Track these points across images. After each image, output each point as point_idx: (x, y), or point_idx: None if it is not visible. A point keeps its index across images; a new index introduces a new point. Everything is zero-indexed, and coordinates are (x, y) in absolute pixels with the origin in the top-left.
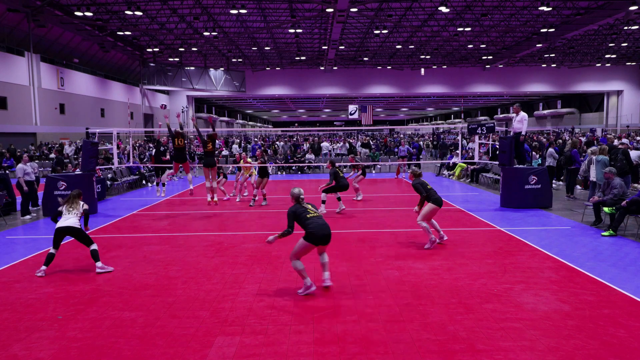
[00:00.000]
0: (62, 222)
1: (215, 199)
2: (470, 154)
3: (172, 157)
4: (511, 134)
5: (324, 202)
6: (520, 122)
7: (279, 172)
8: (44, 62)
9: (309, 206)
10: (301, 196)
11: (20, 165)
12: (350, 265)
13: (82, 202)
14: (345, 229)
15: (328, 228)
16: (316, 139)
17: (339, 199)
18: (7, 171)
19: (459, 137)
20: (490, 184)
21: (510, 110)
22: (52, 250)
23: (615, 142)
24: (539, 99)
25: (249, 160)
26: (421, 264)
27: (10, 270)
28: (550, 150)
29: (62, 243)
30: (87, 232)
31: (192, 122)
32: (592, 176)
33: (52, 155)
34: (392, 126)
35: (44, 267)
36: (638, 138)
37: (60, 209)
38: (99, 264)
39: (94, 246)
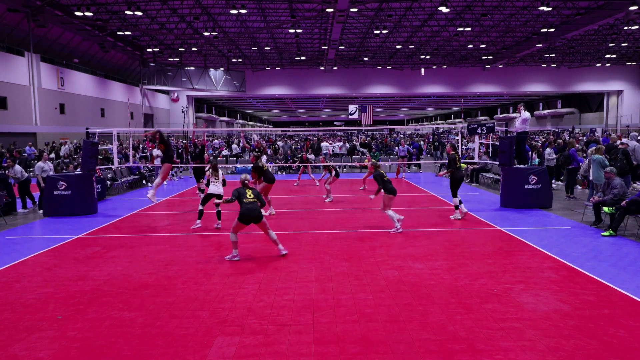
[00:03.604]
0: (212, 190)
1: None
2: (470, 154)
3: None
4: (513, 133)
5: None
6: (523, 122)
7: (279, 172)
8: (44, 62)
9: (249, 191)
10: (245, 181)
11: (39, 164)
12: (350, 265)
13: (220, 171)
14: (345, 229)
15: (255, 211)
16: (315, 139)
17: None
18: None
19: (459, 137)
20: (490, 184)
21: (510, 110)
22: (200, 208)
23: (624, 140)
24: (539, 99)
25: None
26: (421, 264)
27: (10, 270)
28: (548, 150)
29: (62, 243)
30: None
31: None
32: (591, 175)
33: (52, 155)
34: (392, 126)
35: (198, 221)
36: None
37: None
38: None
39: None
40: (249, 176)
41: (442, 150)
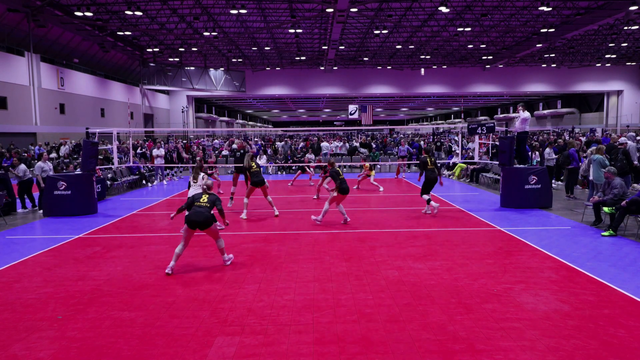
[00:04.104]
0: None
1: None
2: (470, 154)
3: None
4: (514, 133)
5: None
6: (522, 122)
7: (279, 172)
8: (44, 62)
9: (205, 197)
10: (205, 187)
11: (39, 163)
12: (350, 265)
13: (203, 174)
14: (345, 229)
15: (200, 215)
16: (315, 138)
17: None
18: (7, 171)
19: (459, 137)
20: (490, 184)
21: (510, 110)
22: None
23: (622, 139)
24: (539, 99)
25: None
26: (421, 263)
27: (10, 270)
28: (547, 150)
29: (62, 243)
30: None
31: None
32: (591, 175)
33: (53, 155)
34: (392, 126)
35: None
36: (639, 138)
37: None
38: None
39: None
40: (210, 182)
41: (447, 151)
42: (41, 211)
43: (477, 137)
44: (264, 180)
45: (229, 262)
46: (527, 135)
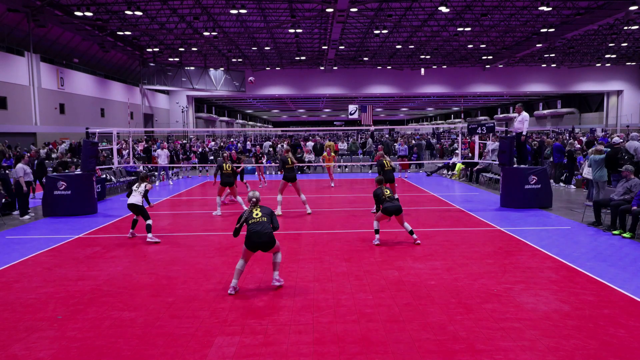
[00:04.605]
0: (130, 200)
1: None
2: (469, 154)
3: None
4: (513, 133)
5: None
6: (521, 122)
7: (279, 172)
8: (44, 62)
9: (258, 210)
10: (253, 199)
11: (20, 165)
12: (350, 265)
13: (145, 183)
14: (345, 229)
15: (265, 236)
16: (317, 138)
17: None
18: (6, 171)
19: (459, 137)
20: (490, 184)
21: (510, 110)
22: (135, 217)
23: (616, 139)
24: (539, 99)
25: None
26: (421, 264)
27: (10, 270)
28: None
29: (62, 243)
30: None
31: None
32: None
33: (54, 155)
34: (392, 126)
35: (132, 230)
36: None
37: (132, 187)
38: (149, 235)
39: (149, 221)
40: (257, 193)
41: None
42: (27, 216)
43: (477, 137)
44: (296, 178)
45: (277, 284)
46: (526, 135)
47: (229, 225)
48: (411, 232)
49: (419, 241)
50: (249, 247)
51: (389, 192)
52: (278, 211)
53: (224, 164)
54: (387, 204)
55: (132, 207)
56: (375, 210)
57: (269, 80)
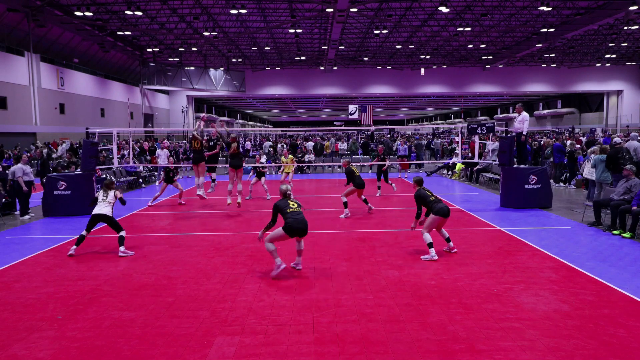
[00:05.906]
0: (96, 210)
1: (239, 200)
2: (469, 154)
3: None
4: (513, 133)
5: (345, 204)
6: (521, 122)
7: (279, 172)
8: (44, 62)
9: (293, 202)
10: (287, 192)
11: (19, 165)
12: (351, 265)
13: (114, 191)
14: (345, 229)
15: (304, 223)
16: (317, 138)
17: (365, 201)
18: (6, 171)
19: (459, 137)
20: (490, 184)
21: (510, 110)
22: (84, 233)
23: (616, 139)
24: (539, 99)
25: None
26: (421, 263)
27: (10, 270)
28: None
29: (62, 243)
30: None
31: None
32: (586, 173)
33: (54, 155)
34: (392, 126)
35: (74, 247)
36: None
37: (96, 196)
38: (122, 248)
39: (122, 233)
40: (289, 186)
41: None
42: (27, 216)
43: (476, 137)
44: (364, 184)
45: (299, 267)
46: (526, 135)
47: (229, 226)
48: (448, 240)
49: (455, 249)
50: (288, 233)
51: (431, 194)
52: (344, 215)
53: (192, 141)
54: (439, 205)
55: (100, 217)
56: (417, 218)
57: (269, 80)
